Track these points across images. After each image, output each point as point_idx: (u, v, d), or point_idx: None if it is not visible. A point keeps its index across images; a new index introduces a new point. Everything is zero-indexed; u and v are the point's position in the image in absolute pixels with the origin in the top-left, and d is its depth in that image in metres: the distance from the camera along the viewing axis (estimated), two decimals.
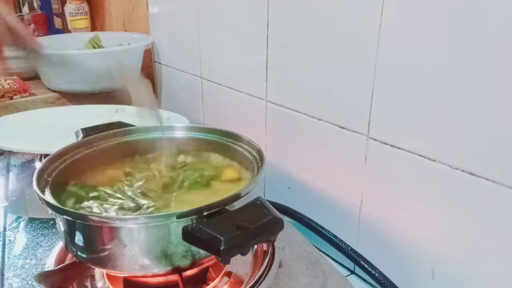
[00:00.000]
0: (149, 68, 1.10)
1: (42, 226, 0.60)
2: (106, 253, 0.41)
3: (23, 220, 0.63)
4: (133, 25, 1.17)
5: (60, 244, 0.54)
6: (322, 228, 0.63)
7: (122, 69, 0.66)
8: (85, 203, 0.47)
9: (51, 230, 0.59)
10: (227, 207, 0.40)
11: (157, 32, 1.04)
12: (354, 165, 0.58)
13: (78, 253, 0.43)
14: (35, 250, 0.55)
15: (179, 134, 0.59)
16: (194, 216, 0.38)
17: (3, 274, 0.51)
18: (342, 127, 0.59)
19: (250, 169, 0.50)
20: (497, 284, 0.45)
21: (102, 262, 0.42)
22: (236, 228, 0.36)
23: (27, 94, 0.96)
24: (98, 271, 0.50)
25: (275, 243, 0.51)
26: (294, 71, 0.65)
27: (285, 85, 0.67)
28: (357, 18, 0.53)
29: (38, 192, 0.43)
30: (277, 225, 0.38)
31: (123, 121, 0.61)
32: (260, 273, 0.47)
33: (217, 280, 0.48)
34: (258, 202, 0.39)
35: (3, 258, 0.54)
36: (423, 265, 0.51)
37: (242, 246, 0.36)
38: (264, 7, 0.67)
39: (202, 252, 0.40)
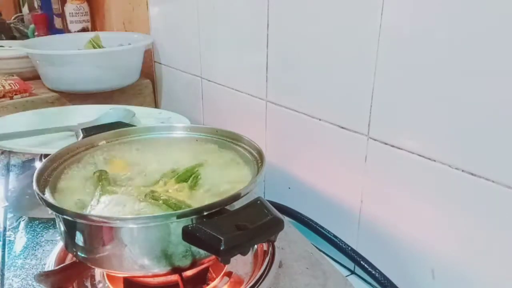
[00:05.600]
0: (149, 68, 1.10)
1: (42, 226, 0.60)
2: (106, 253, 0.41)
3: (23, 220, 0.63)
4: (133, 25, 1.17)
5: (60, 244, 0.54)
6: (322, 228, 0.63)
7: None
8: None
9: (51, 230, 0.59)
10: (227, 207, 0.40)
11: (157, 32, 1.04)
12: (354, 165, 0.58)
13: (78, 253, 0.43)
14: (35, 250, 0.55)
15: (179, 134, 0.59)
16: (194, 216, 0.38)
17: (3, 274, 0.51)
18: (342, 127, 0.59)
19: (250, 169, 0.50)
20: (497, 284, 0.45)
21: (102, 262, 0.42)
22: (236, 228, 0.36)
23: (27, 94, 0.96)
24: (98, 271, 0.50)
25: (275, 243, 0.51)
26: (294, 71, 0.65)
27: (285, 85, 0.67)
28: (357, 18, 0.53)
29: (38, 192, 0.43)
30: (277, 225, 0.38)
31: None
32: (260, 273, 0.47)
33: (217, 280, 0.48)
34: (258, 202, 0.39)
35: (3, 258, 0.54)
36: (423, 265, 0.51)
37: (242, 246, 0.36)
38: (264, 7, 0.67)
39: (202, 252, 0.40)
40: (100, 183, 0.48)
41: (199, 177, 0.50)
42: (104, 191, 0.47)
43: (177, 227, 0.38)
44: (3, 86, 0.94)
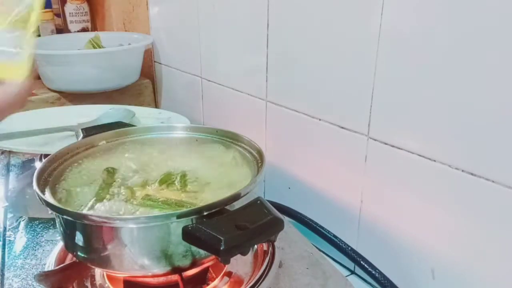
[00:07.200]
0: (149, 68, 1.10)
1: (42, 226, 0.60)
2: (106, 253, 0.41)
3: (23, 220, 0.63)
4: (133, 25, 1.17)
5: (60, 244, 0.54)
6: (322, 228, 0.63)
7: None
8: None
9: (51, 230, 0.59)
10: (227, 207, 0.40)
11: (157, 32, 1.04)
12: (354, 165, 0.58)
13: (78, 253, 0.43)
14: (35, 250, 0.55)
15: (179, 134, 0.59)
16: (194, 216, 0.38)
17: (3, 274, 0.51)
18: (342, 127, 0.59)
19: (250, 169, 0.50)
20: (497, 284, 0.45)
21: (102, 262, 0.42)
22: (236, 228, 0.36)
23: None
24: (98, 271, 0.50)
25: (275, 243, 0.51)
26: (294, 71, 0.65)
27: (285, 85, 0.67)
28: (357, 18, 0.53)
29: (38, 192, 0.43)
30: (277, 225, 0.38)
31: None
32: (260, 273, 0.47)
33: (217, 280, 0.48)
34: (258, 202, 0.39)
35: (3, 258, 0.54)
36: (423, 265, 0.51)
37: (242, 246, 0.36)
38: (264, 7, 0.67)
39: (202, 252, 0.40)
40: (104, 183, 0.48)
41: (186, 177, 0.50)
42: (105, 189, 0.47)
43: (177, 227, 0.38)
44: None
